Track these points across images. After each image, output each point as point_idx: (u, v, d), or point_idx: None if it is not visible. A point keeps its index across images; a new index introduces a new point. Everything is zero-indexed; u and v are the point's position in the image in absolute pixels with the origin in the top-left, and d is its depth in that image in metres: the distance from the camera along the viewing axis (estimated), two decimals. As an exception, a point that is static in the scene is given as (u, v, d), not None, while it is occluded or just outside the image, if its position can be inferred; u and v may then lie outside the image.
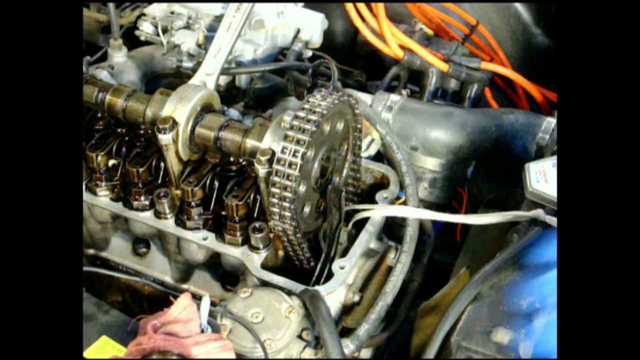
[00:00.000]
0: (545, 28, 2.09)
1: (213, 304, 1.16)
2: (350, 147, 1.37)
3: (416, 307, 1.34)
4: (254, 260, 1.27)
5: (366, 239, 1.32)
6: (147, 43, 1.78)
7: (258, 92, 1.72)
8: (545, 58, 2.07)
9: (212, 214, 1.34)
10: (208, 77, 1.41)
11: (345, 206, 1.37)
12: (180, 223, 1.33)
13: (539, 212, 1.24)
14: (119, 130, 1.43)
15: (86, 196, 1.38)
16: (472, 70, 1.78)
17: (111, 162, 1.39)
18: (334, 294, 1.26)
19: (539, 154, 1.56)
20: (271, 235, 1.29)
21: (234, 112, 1.50)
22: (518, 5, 2.12)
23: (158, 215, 1.34)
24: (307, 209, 1.28)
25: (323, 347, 1.14)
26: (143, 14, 1.77)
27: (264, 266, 1.27)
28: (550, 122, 1.53)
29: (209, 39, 1.62)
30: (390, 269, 1.31)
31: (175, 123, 1.27)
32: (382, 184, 1.46)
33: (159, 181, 1.38)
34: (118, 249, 1.49)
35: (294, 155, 1.15)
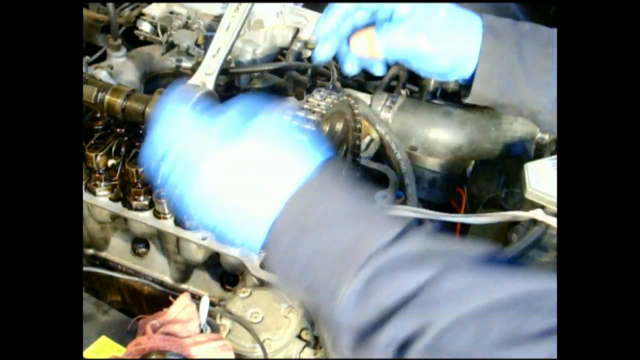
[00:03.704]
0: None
1: (212, 304, 1.16)
2: (350, 147, 1.37)
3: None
4: (254, 260, 1.27)
5: (365, 239, 1.32)
6: (146, 43, 1.78)
7: (257, 92, 1.71)
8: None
9: (211, 214, 1.34)
10: (207, 77, 1.41)
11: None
12: (179, 223, 1.33)
13: (538, 213, 1.24)
14: (118, 130, 1.43)
15: (85, 196, 1.38)
16: (472, 70, 1.77)
17: (110, 162, 1.39)
18: (334, 294, 1.26)
19: (539, 154, 1.56)
20: (270, 235, 1.29)
21: (233, 112, 1.50)
22: (516, 5, 2.12)
23: (157, 215, 1.35)
24: (306, 209, 1.28)
25: None
26: (142, 14, 1.76)
27: (264, 266, 1.27)
28: (550, 121, 1.53)
29: (208, 39, 1.62)
30: (389, 269, 1.31)
31: (174, 123, 1.27)
32: (381, 183, 1.46)
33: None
34: (117, 249, 1.49)
35: (293, 155, 1.15)
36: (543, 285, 0.83)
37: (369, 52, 1.32)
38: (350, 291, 0.86)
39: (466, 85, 1.35)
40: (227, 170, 0.96)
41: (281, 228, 0.93)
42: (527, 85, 1.30)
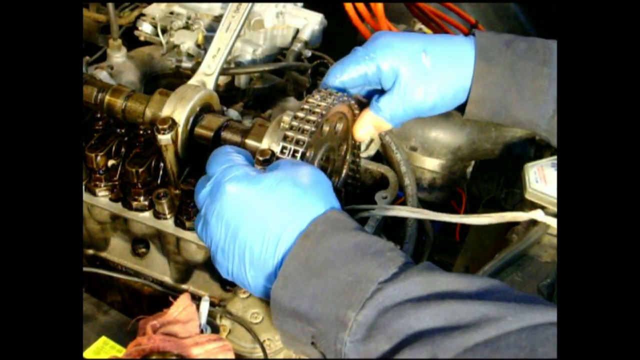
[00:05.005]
0: (544, 28, 2.10)
1: (212, 304, 1.16)
2: (350, 148, 1.37)
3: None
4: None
5: (365, 239, 1.32)
6: (146, 43, 1.78)
7: (257, 93, 1.72)
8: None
9: (211, 214, 1.34)
10: (207, 78, 1.41)
11: (344, 206, 1.37)
12: (179, 223, 1.33)
13: (538, 213, 1.24)
14: (118, 130, 1.43)
15: (85, 196, 1.38)
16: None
17: (110, 162, 1.39)
18: (334, 294, 1.26)
19: (539, 154, 1.56)
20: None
21: (233, 113, 1.50)
22: (516, 5, 2.12)
23: (157, 215, 1.34)
24: (306, 209, 1.28)
25: None
26: (142, 14, 1.76)
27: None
28: (550, 122, 1.53)
29: (208, 39, 1.62)
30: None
31: (174, 123, 1.27)
32: (381, 184, 1.46)
33: (158, 181, 1.38)
34: (117, 249, 1.49)
35: (293, 155, 1.15)
36: (554, 318, 0.84)
37: (377, 132, 1.35)
38: (361, 322, 0.91)
39: (462, 105, 1.34)
40: (241, 203, 1.04)
41: (290, 269, 0.99)
42: (521, 107, 1.28)
